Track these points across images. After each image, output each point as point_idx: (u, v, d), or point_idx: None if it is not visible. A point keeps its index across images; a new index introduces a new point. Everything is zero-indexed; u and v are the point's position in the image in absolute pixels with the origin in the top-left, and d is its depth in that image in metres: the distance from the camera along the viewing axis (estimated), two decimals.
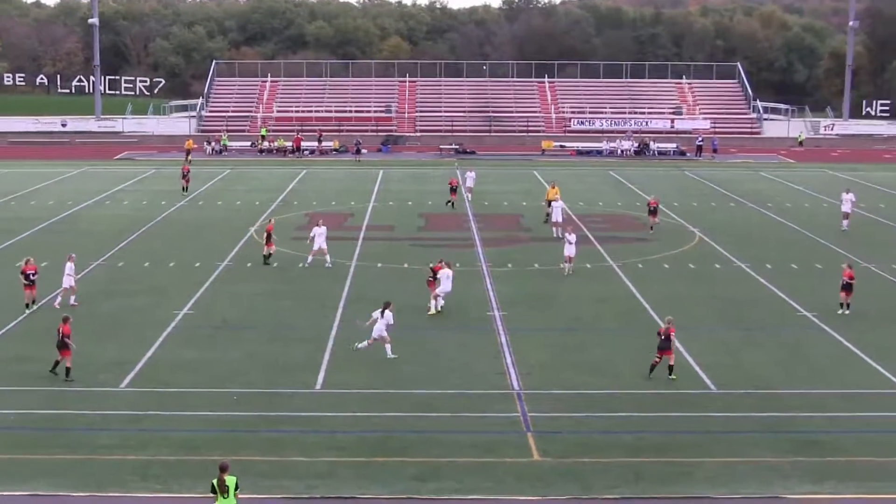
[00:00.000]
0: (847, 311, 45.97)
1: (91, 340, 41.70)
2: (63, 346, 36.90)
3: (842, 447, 31.39)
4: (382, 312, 39.66)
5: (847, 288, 46.28)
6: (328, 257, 55.61)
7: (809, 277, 53.85)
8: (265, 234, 56.80)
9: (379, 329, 39.41)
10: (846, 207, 66.54)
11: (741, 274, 54.62)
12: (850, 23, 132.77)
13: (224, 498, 24.63)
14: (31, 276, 45.87)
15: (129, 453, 30.48)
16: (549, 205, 67.95)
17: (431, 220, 70.76)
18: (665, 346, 37.43)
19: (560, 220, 64.12)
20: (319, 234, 55.72)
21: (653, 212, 66.52)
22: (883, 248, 61.58)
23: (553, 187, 70.58)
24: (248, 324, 44.61)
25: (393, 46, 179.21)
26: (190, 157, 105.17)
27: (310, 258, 55.72)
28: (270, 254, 56.38)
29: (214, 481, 24.72)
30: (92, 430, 32.49)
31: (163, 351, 40.49)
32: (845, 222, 66.44)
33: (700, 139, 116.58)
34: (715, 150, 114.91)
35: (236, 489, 24.84)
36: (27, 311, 45.30)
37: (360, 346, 39.56)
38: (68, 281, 47.15)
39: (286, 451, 30.78)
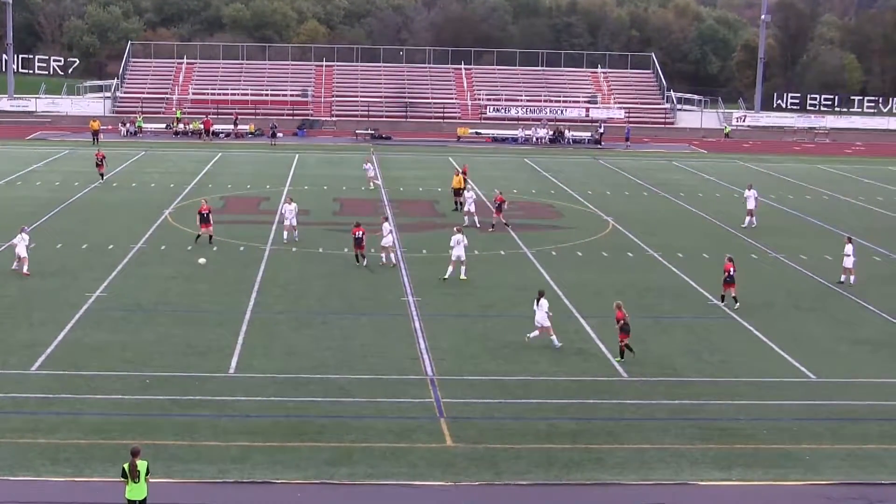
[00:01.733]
0: (736, 305, 46.01)
1: (1, 322, 41.31)
2: None
3: (750, 434, 31.87)
4: (538, 302, 39.76)
5: (729, 281, 46.29)
6: (296, 233, 57.88)
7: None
8: (199, 216, 56.72)
9: (540, 319, 39.48)
10: (750, 204, 66.04)
11: (653, 262, 55.18)
12: (763, 16, 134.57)
13: (135, 483, 24.50)
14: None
15: (39, 437, 30.23)
16: (457, 193, 68.04)
17: (346, 205, 70.74)
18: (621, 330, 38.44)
19: (473, 209, 64.00)
20: (289, 211, 57.68)
21: (498, 207, 63.82)
22: (791, 238, 62.46)
23: (457, 175, 70.65)
24: (162, 306, 44.34)
25: (310, 30, 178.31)
26: (100, 138, 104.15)
27: (286, 234, 57.59)
28: (211, 235, 56.61)
29: (126, 466, 24.58)
30: (1, 413, 32.15)
31: (74, 333, 40.14)
32: (749, 219, 65.85)
33: (601, 128, 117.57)
34: (627, 139, 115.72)
35: (147, 473, 24.73)
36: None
37: (531, 336, 39.75)
38: (23, 250, 48.96)
39: (199, 436, 30.68)
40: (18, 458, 28.75)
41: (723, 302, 46.42)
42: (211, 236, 56.59)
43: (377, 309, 44.92)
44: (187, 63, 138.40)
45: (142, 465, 24.62)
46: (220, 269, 51.30)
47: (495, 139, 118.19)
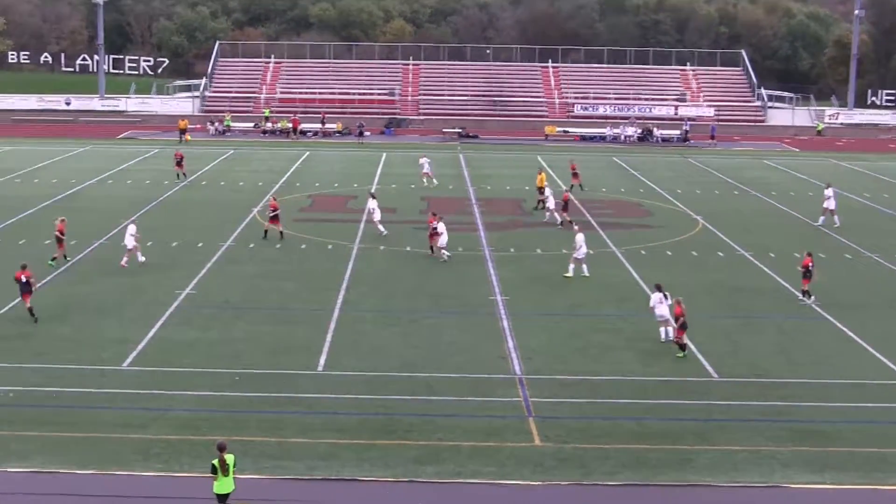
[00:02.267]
0: (809, 300, 46.15)
1: (94, 319, 41.87)
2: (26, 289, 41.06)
3: (843, 437, 31.39)
4: (664, 296, 40.45)
5: (806, 275, 46.35)
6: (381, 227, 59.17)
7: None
8: (269, 210, 57.51)
9: (663, 313, 40.09)
10: (831, 204, 64.77)
11: (743, 262, 54.60)
12: (856, 11, 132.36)
13: (224, 477, 24.69)
14: (27, 281, 42.00)
15: (130, 432, 30.52)
16: (540, 192, 67.86)
17: (434, 204, 70.67)
18: (679, 326, 38.43)
19: (552, 205, 64.32)
20: (375, 209, 59.52)
21: (564, 206, 63.47)
22: (886, 237, 61.54)
23: (540, 173, 70.44)
24: (251, 304, 44.59)
25: (396, 29, 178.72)
26: (187, 137, 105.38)
27: (381, 228, 59.12)
28: (281, 232, 57.31)
29: (215, 461, 24.78)
30: (94, 408, 32.52)
31: (165, 330, 40.49)
32: (833, 218, 64.62)
33: (686, 125, 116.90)
34: (713, 137, 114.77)
35: (234, 467, 24.90)
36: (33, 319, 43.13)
37: (664, 337, 40.09)
38: (131, 241, 49.89)
39: (287, 433, 30.80)
40: (110, 452, 29.03)
41: (804, 296, 46.33)
42: (281, 232, 57.26)
43: (465, 307, 44.84)
44: (275, 62, 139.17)
45: (229, 458, 24.84)
46: (308, 267, 51.49)
47: (583, 138, 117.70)
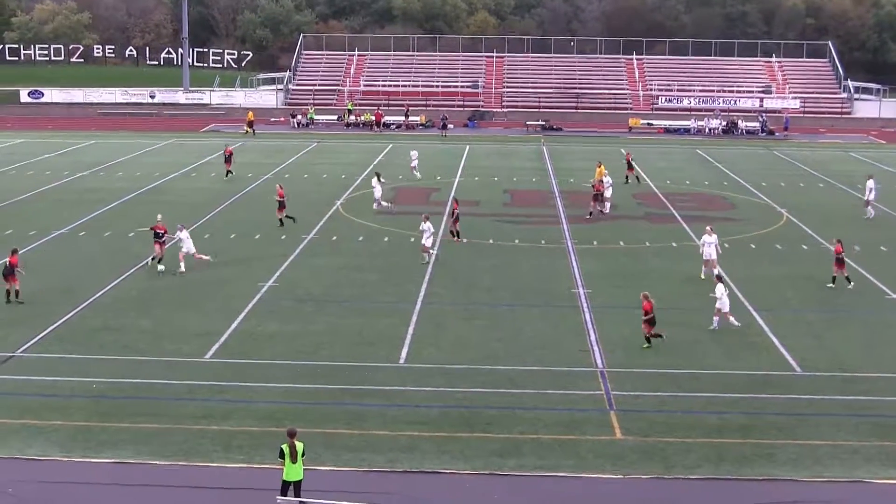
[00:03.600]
0: (850, 285, 46.83)
1: (177, 311, 42.27)
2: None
3: None
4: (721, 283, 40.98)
5: (839, 262, 46.77)
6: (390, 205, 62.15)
7: None
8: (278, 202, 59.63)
9: (723, 302, 40.31)
10: (871, 195, 64.13)
11: (829, 255, 53.74)
12: None
13: (293, 464, 24.77)
14: (161, 234, 48.43)
15: (212, 423, 30.78)
16: (601, 183, 67.32)
17: (516, 196, 70.58)
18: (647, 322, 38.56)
19: (609, 194, 65.22)
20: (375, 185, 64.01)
21: (596, 196, 64.02)
22: None
23: (600, 166, 69.97)
24: (332, 297, 44.78)
25: (480, 21, 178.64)
26: (253, 129, 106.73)
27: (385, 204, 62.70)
28: (281, 220, 59.27)
29: (285, 446, 24.86)
30: (177, 399, 32.84)
31: (247, 323, 40.78)
32: (868, 209, 64.17)
33: (762, 117, 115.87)
34: (786, 129, 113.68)
35: (303, 455, 25.03)
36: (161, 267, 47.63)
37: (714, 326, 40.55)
38: (188, 246, 49.63)
39: (369, 425, 30.90)
40: (192, 444, 29.31)
41: (834, 283, 46.77)
42: (281, 220, 58.95)
43: (547, 300, 44.73)
44: (358, 55, 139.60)
45: (299, 446, 24.89)
46: (390, 259, 51.60)
47: (667, 130, 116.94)
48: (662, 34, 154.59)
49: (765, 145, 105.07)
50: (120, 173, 78.73)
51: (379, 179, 65.25)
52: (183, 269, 48.18)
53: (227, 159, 77.37)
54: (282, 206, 59.20)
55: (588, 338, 39.42)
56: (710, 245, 47.90)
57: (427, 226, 50.77)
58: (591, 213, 62.83)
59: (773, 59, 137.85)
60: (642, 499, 26.72)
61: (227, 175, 76.25)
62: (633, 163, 76.59)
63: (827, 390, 34.35)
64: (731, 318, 40.01)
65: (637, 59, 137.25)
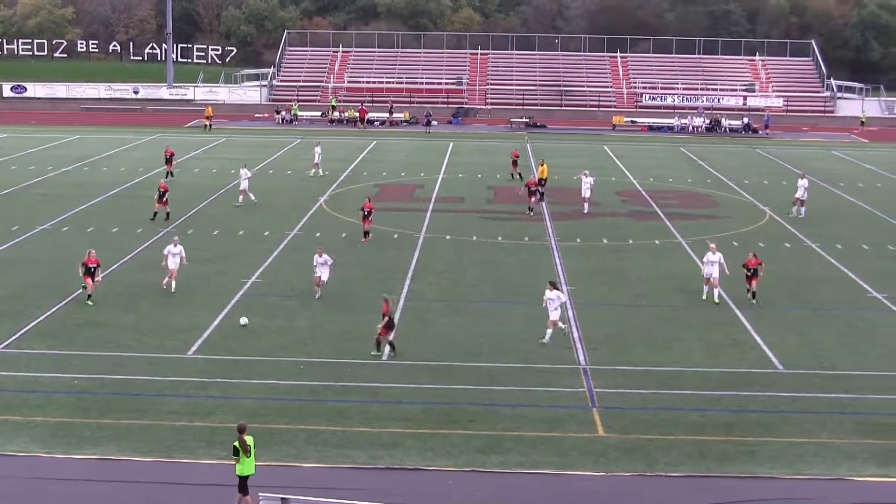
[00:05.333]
0: (754, 301, 43.87)
1: (160, 307, 42.20)
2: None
3: None
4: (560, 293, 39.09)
5: (752, 275, 44.01)
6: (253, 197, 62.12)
7: (881, 258, 53.25)
8: (158, 193, 59.14)
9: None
10: (800, 193, 63.69)
11: (811, 253, 54.12)
12: None
13: (247, 458, 24.81)
14: (93, 269, 42.60)
15: (195, 420, 30.74)
16: (541, 183, 67.07)
17: (500, 193, 70.61)
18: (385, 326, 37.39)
19: (588, 195, 63.95)
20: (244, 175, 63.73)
21: (532, 192, 63.51)
22: None
23: (542, 164, 69.63)
24: (316, 293, 44.70)
25: (465, 18, 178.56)
26: (210, 124, 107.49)
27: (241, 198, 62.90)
28: (168, 213, 58.69)
29: (236, 443, 24.87)
30: (160, 395, 32.79)
31: (231, 319, 40.71)
32: (798, 209, 63.62)
33: (746, 118, 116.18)
34: (767, 127, 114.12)
35: (254, 448, 25.08)
36: (89, 303, 42.58)
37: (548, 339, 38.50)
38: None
39: (351, 421, 30.89)
40: (175, 440, 29.26)
41: (754, 298, 43.85)
42: (168, 213, 58.60)
43: (530, 297, 44.66)
44: (343, 51, 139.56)
45: (249, 440, 24.92)
46: (374, 255, 51.58)
47: (651, 128, 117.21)
48: (646, 32, 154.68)
49: (748, 143, 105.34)
50: (104, 168, 78.61)
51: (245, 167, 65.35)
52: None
53: (168, 160, 74.79)
54: (162, 198, 58.56)
55: (571, 335, 39.43)
56: (712, 264, 44.23)
57: (324, 258, 44.40)
58: (530, 209, 62.72)
59: (757, 57, 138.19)
60: (624, 496, 26.76)
61: (167, 176, 72.56)
62: (518, 161, 76.96)
63: (809, 388, 34.45)
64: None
65: (621, 57, 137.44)
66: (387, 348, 36.91)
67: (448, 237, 56.08)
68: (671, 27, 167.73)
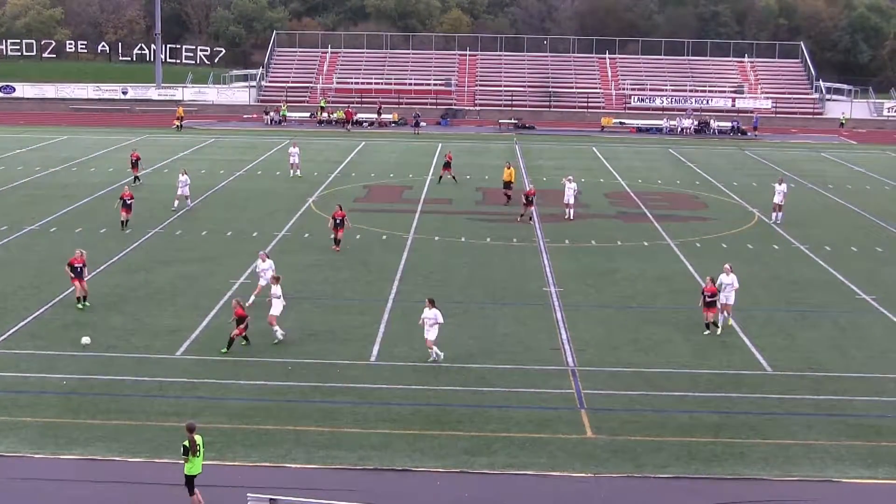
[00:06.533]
0: (718, 331, 40.26)
1: (148, 308, 42.12)
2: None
3: None
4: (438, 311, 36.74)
5: (710, 305, 40.22)
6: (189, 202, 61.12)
7: (869, 260, 53.32)
8: (121, 201, 56.78)
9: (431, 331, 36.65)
10: (778, 199, 62.49)
11: (799, 255, 54.18)
12: None
13: (196, 457, 24.94)
14: (80, 269, 42.23)
15: (183, 420, 30.54)
16: (507, 186, 66.94)
17: (489, 195, 70.59)
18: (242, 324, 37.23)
19: (572, 201, 62.53)
20: (182, 182, 62.45)
21: (529, 202, 61.48)
22: None
23: (508, 168, 68.83)
24: (304, 294, 44.68)
25: (454, 19, 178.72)
26: (181, 125, 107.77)
27: (176, 203, 61.13)
28: (123, 220, 56.47)
29: (186, 443, 24.93)
30: (148, 396, 32.73)
31: (218, 319, 40.65)
32: (776, 214, 62.50)
33: (736, 122, 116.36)
34: (755, 128, 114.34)
35: (203, 448, 25.24)
36: (80, 307, 42.07)
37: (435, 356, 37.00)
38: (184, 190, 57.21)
39: (340, 422, 30.87)
40: (164, 440, 29.20)
41: (707, 329, 40.29)
42: (127, 220, 56.32)
43: (519, 299, 44.78)
44: (331, 52, 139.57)
45: (199, 439, 25.06)
46: (362, 257, 51.53)
47: (640, 129, 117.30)
48: (635, 33, 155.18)
49: (736, 145, 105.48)
50: (92, 169, 78.46)
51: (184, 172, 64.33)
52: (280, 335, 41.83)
53: (135, 164, 72.63)
54: (127, 207, 56.20)
55: (559, 336, 39.46)
56: (729, 288, 40.99)
57: (268, 263, 43.30)
58: (521, 216, 61.28)
59: (746, 59, 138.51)
60: (613, 497, 26.75)
61: (135, 181, 71.15)
62: (451, 163, 76.45)
63: (798, 390, 34.47)
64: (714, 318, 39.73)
65: (610, 59, 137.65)
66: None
67: (437, 238, 56.07)
68: (660, 29, 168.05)
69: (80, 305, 42.07)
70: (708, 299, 40.15)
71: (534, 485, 27.24)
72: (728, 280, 40.97)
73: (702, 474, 27.97)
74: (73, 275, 42.20)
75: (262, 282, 41.80)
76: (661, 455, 29.02)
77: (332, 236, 52.96)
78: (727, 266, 41.80)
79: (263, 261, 43.07)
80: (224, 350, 36.46)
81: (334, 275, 48.04)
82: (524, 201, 61.56)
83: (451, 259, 51.65)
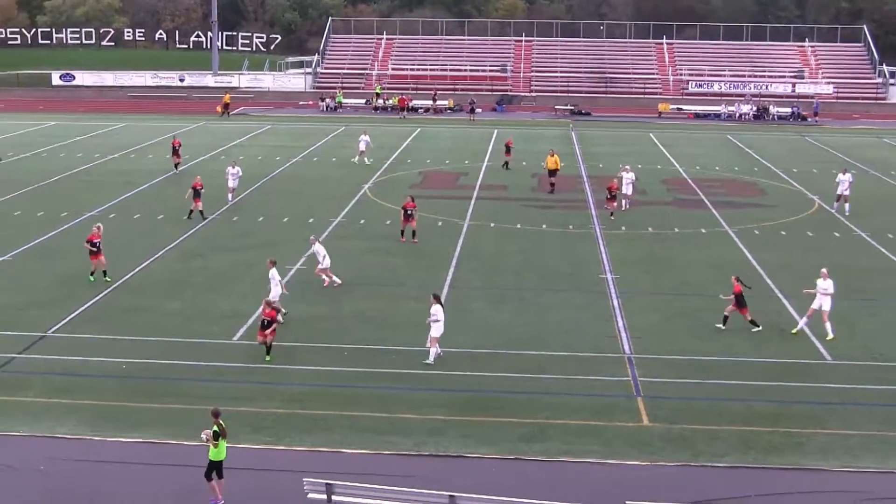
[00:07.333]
0: (723, 326, 38.97)
1: (205, 293, 42.36)
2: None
3: None
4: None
5: (739, 303, 38.81)
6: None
7: None
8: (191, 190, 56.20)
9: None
10: (843, 189, 60.49)
11: (861, 243, 53.61)
12: None
13: (224, 441, 25.11)
14: (98, 244, 43.61)
15: (240, 405, 30.78)
16: (552, 174, 66.34)
17: (544, 181, 70.30)
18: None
19: (630, 192, 60.94)
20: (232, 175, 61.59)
21: (612, 196, 58.86)
22: None
23: (552, 155, 68.00)
24: (360, 280, 44.71)
25: (509, 5, 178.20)
26: (228, 112, 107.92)
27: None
28: (200, 210, 56.01)
29: (216, 427, 25.06)
30: (205, 380, 32.88)
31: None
32: (841, 205, 60.72)
33: (797, 108, 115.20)
34: (816, 114, 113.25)
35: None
36: (92, 279, 43.66)
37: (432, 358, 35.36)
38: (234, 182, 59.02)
39: (395, 408, 30.87)
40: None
41: (724, 325, 39.02)
42: (201, 212, 55.87)
43: (574, 286, 44.61)
44: (387, 39, 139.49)
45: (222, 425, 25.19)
46: (418, 243, 51.46)
47: (697, 115, 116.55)
48: (693, 18, 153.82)
49: (797, 131, 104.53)
50: (150, 156, 78.91)
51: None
52: (337, 280, 44.00)
53: (175, 151, 72.31)
54: (198, 195, 55.84)
55: (615, 323, 39.28)
56: (825, 294, 38.19)
57: (317, 248, 44.06)
58: (612, 214, 58.73)
59: (806, 43, 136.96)
60: (669, 486, 26.54)
61: (175, 168, 71.87)
62: (511, 148, 76.23)
63: (858, 379, 34.09)
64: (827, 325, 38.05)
65: (667, 44, 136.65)
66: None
67: (492, 225, 55.96)
68: (718, 13, 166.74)
69: (92, 278, 43.53)
70: (736, 297, 38.64)
71: (589, 472, 27.12)
72: (824, 285, 38.19)
73: (760, 464, 27.72)
74: (93, 250, 43.55)
75: (275, 290, 39.34)
76: (717, 444, 28.81)
77: (402, 228, 52.07)
78: (824, 271, 38.80)
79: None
80: (268, 358, 34.95)
81: (390, 261, 48.05)
82: (608, 196, 58.86)
83: (507, 245, 51.53)
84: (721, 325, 38.92)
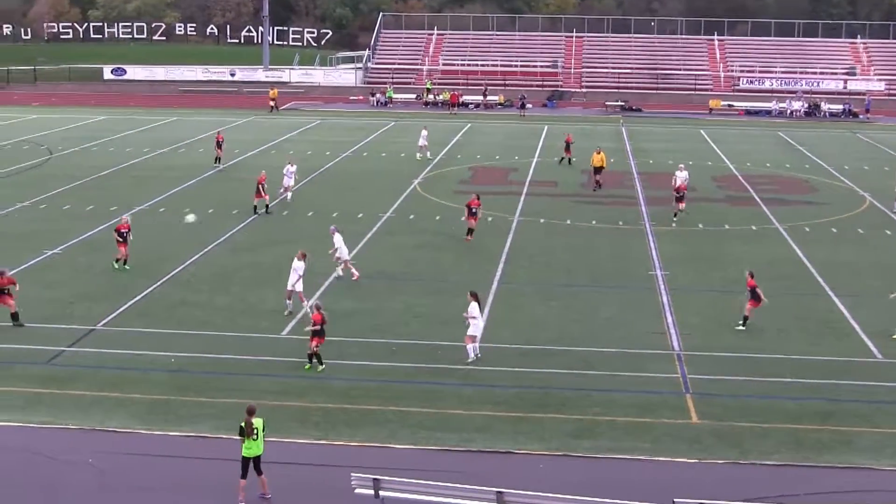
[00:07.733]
0: (742, 327, 38.47)
1: (253, 288, 42.49)
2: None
3: None
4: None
5: (754, 297, 38.48)
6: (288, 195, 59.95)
7: None
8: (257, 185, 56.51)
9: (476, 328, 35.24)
10: None
11: None
12: None
13: (252, 440, 24.94)
14: (125, 234, 45.13)
15: (288, 400, 30.91)
16: (597, 171, 65.73)
17: (590, 179, 70.09)
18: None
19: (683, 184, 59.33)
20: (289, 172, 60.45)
21: (680, 198, 57.33)
22: None
23: (598, 153, 67.13)
24: (409, 275, 44.79)
25: (560, 1, 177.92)
26: (276, 107, 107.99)
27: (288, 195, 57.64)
28: (267, 205, 56.64)
29: (242, 424, 24.99)
30: (253, 375, 33.00)
31: (323, 300, 40.64)
32: None
33: (849, 104, 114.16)
34: (868, 111, 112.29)
35: (263, 430, 25.18)
36: (115, 266, 44.85)
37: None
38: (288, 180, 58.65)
39: (444, 403, 30.88)
40: (269, 419, 29.23)
41: (745, 325, 38.57)
42: (267, 206, 56.06)
43: (624, 282, 44.47)
44: (437, 34, 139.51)
45: (258, 422, 25.04)
46: (471, 241, 51.33)
47: (748, 112, 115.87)
48: (744, 14, 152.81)
49: (848, 128, 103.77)
50: (200, 150, 79.26)
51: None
52: (355, 273, 44.14)
53: (219, 145, 72.72)
54: (259, 191, 56.17)
55: (665, 320, 39.15)
56: None
57: (337, 238, 44.33)
58: (675, 215, 57.38)
59: (858, 40, 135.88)
60: (718, 483, 26.42)
61: (216, 161, 72.15)
62: (571, 145, 75.73)
63: None
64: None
65: (718, 40, 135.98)
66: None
67: (542, 221, 55.90)
68: (770, 9, 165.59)
69: (116, 266, 44.74)
70: (751, 292, 38.33)
71: (637, 469, 27.03)
72: None
73: (809, 462, 27.54)
74: (120, 239, 44.98)
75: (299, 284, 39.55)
76: (767, 442, 28.65)
77: (470, 227, 51.33)
78: None
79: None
80: (307, 366, 33.86)
81: (439, 256, 48.08)
82: (676, 196, 57.47)
83: (556, 241, 51.45)
84: (741, 326, 38.40)
